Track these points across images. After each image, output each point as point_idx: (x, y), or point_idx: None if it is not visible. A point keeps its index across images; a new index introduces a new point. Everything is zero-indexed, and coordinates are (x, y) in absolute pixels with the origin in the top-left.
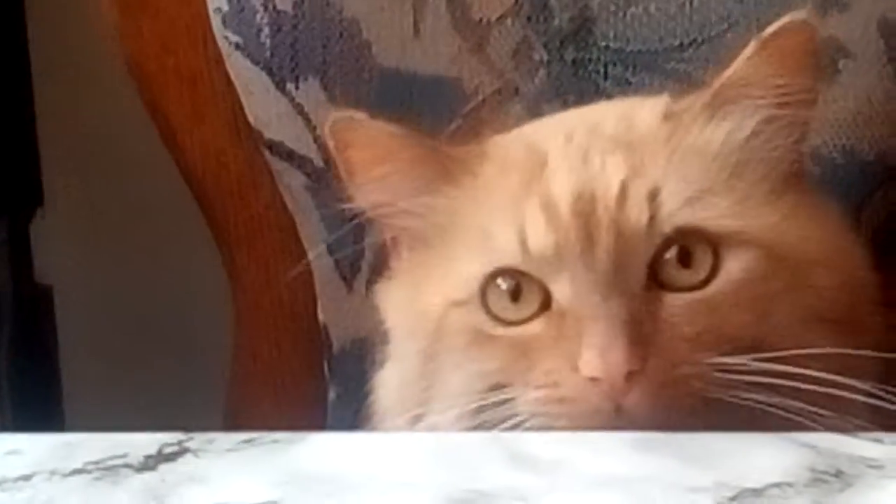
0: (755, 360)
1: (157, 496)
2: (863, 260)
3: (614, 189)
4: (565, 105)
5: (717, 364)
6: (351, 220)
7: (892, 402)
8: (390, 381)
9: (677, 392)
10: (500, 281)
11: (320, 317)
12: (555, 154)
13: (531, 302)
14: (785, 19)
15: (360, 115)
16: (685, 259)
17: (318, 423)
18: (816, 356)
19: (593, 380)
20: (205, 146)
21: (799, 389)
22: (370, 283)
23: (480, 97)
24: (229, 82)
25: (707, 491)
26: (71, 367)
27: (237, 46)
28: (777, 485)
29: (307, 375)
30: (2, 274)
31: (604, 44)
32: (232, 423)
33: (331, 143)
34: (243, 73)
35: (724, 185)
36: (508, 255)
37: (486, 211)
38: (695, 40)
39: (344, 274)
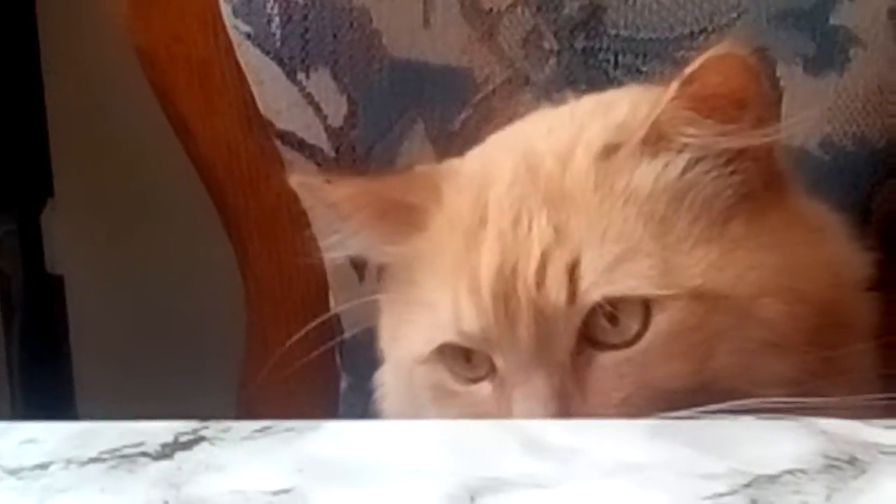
0: (692, 414)
1: (174, 484)
2: (845, 264)
3: (534, 263)
4: (576, 94)
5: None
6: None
7: None
8: (390, 388)
9: None
10: (452, 347)
11: (332, 306)
12: (493, 208)
13: (482, 363)
14: (705, 55)
15: (316, 181)
16: (613, 319)
17: (330, 412)
18: (771, 405)
19: None
20: (216, 136)
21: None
22: (382, 272)
23: (491, 86)
24: (240, 72)
25: (721, 477)
26: (82, 358)
27: (248, 36)
28: (791, 471)
29: (319, 365)
30: (13, 264)
31: (614, 32)
32: (244, 413)
33: (306, 201)
34: (254, 62)
35: (652, 234)
36: (447, 332)
37: (432, 278)
38: (705, 28)
39: (355, 263)
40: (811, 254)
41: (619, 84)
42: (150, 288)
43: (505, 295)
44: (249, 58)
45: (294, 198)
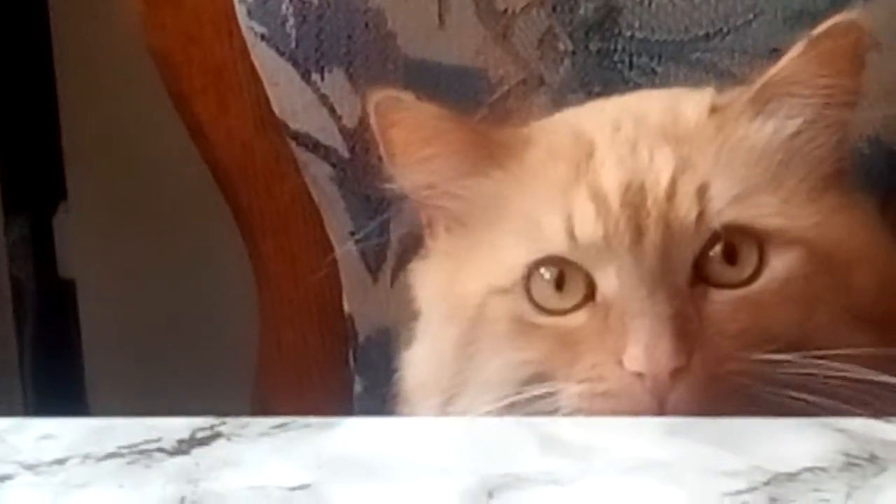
0: (800, 357)
1: (191, 480)
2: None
3: (664, 182)
4: (590, 96)
5: (762, 360)
6: (377, 210)
7: None
8: (420, 362)
9: (721, 388)
10: (543, 270)
11: (346, 307)
12: (602, 143)
13: (575, 292)
14: (835, 19)
15: (407, 96)
16: (731, 256)
17: (344, 414)
18: (858, 356)
19: (638, 375)
20: (230, 137)
21: (841, 387)
22: (396, 272)
23: (506, 87)
24: (255, 73)
25: (741, 475)
26: (94, 362)
27: (262, 37)
28: (811, 469)
29: (333, 366)
30: (25, 268)
31: (629, 34)
32: (258, 414)
33: (374, 122)
34: (268, 63)
35: (769, 182)
36: (555, 243)
37: (532, 198)
38: (720, 30)
39: (369, 264)
40: (883, 236)
41: (635, 85)
42: (162, 292)
43: (635, 205)
44: (264, 59)
45: (308, 199)
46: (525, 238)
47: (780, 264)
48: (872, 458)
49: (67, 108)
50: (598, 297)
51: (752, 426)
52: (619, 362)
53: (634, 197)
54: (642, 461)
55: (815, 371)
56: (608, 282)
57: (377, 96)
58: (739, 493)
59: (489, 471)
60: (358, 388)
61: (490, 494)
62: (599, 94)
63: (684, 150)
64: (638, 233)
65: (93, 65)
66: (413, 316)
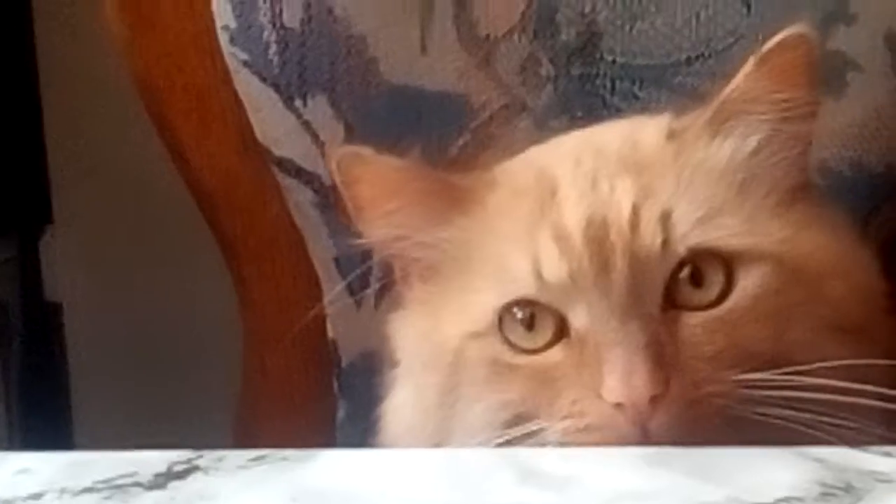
0: (779, 374)
1: None
2: (872, 268)
3: (626, 213)
4: (573, 120)
5: (741, 381)
6: (360, 236)
7: None
8: (404, 410)
9: (702, 411)
10: (515, 310)
11: (329, 332)
12: (564, 179)
13: (546, 329)
14: (782, 34)
15: (367, 151)
16: (698, 279)
17: (327, 439)
18: (836, 368)
19: (618, 406)
20: (213, 163)
21: (821, 402)
22: (379, 298)
23: (488, 113)
24: (237, 99)
25: None
26: (80, 385)
27: (245, 63)
28: (787, 499)
29: (316, 391)
30: (11, 291)
31: (611, 58)
32: (242, 439)
33: (338, 179)
34: (251, 89)
35: (732, 202)
36: (524, 286)
37: (498, 241)
38: (702, 54)
39: (352, 288)
40: (854, 246)
41: (616, 110)
42: (148, 316)
43: (598, 241)
44: (247, 85)
45: (292, 225)
46: (494, 282)
47: (749, 282)
48: (848, 488)
49: (53, 131)
50: (572, 332)
51: (729, 456)
52: (599, 395)
53: (598, 231)
54: (621, 492)
55: (795, 388)
56: (579, 318)
57: (338, 154)
58: None
59: (467, 503)
60: (341, 413)
61: None
62: (582, 119)
63: (644, 178)
64: (604, 266)
65: (78, 88)
66: (392, 363)
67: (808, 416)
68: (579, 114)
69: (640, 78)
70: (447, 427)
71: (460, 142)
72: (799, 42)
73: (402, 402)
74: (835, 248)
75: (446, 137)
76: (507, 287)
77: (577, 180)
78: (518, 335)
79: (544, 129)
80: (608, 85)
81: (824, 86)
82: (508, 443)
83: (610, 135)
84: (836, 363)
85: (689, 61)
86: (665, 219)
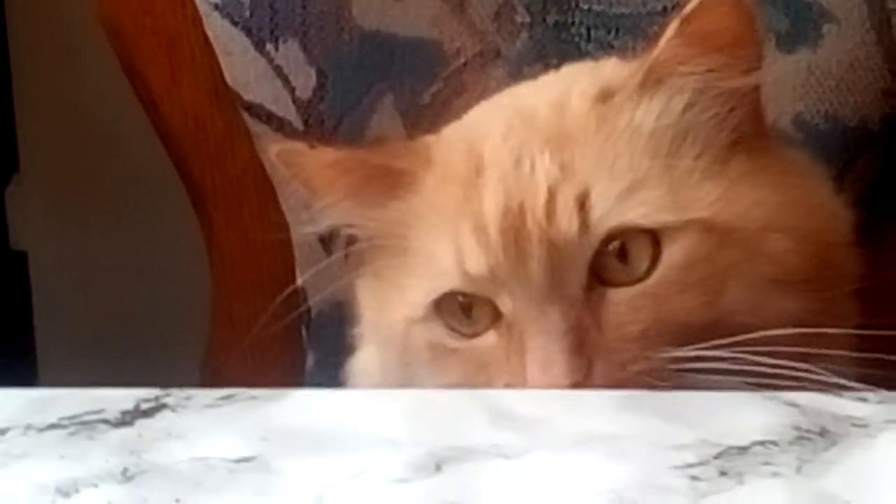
0: (711, 347)
1: (135, 451)
2: (830, 211)
3: (542, 199)
4: (547, 69)
5: (669, 358)
6: None
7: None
8: (370, 369)
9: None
10: (451, 297)
11: (298, 281)
12: (490, 157)
13: (483, 315)
14: None
15: (300, 146)
16: (623, 255)
17: (295, 387)
18: (777, 337)
19: None
20: (183, 108)
21: (758, 373)
22: (349, 246)
23: (462, 60)
24: (208, 44)
25: (691, 448)
26: (45, 335)
27: (215, 7)
28: (761, 443)
29: (285, 340)
30: None
31: (586, 6)
32: (209, 386)
33: (282, 171)
34: (222, 34)
35: (658, 169)
36: (450, 279)
37: (428, 231)
38: (678, 3)
39: (323, 237)
40: (807, 195)
41: (592, 59)
42: (115, 265)
43: (514, 230)
44: (217, 29)
45: (261, 171)
46: (425, 274)
47: (675, 253)
48: (823, 432)
49: (21, 80)
50: (503, 318)
51: (702, 399)
52: (524, 381)
53: (514, 221)
54: (591, 434)
55: (726, 361)
56: (505, 305)
57: (274, 150)
58: (689, 466)
59: (437, 443)
60: (310, 362)
61: (438, 467)
62: (556, 68)
63: (566, 153)
64: (521, 256)
65: (46, 37)
66: (357, 319)
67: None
68: (554, 62)
69: (616, 27)
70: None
71: (433, 89)
72: (721, 3)
73: (367, 360)
74: (777, 200)
75: (419, 84)
76: (435, 280)
77: (501, 159)
78: (456, 320)
79: (518, 77)
80: (583, 33)
81: (800, 37)
82: None
83: (542, 97)
84: (773, 333)
85: (665, 11)
86: (581, 201)
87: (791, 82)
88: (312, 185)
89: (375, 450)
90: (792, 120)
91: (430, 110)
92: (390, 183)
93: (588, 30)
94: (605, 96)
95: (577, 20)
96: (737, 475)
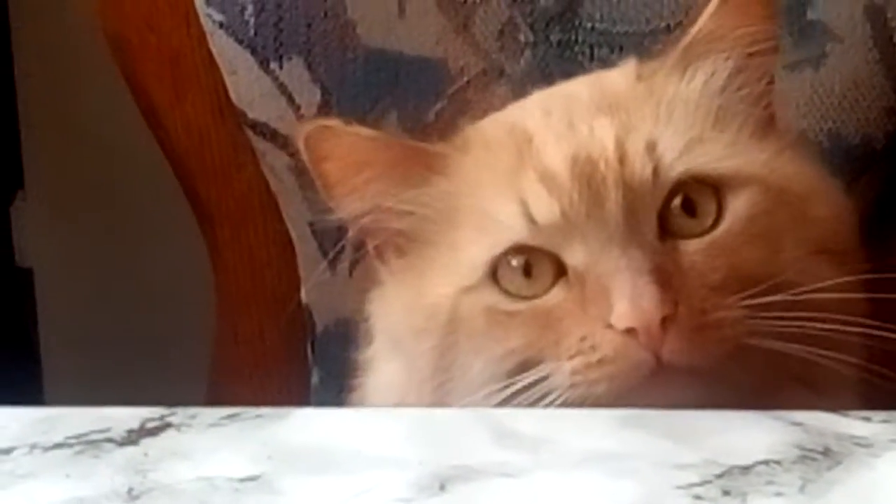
0: (785, 297)
1: (140, 470)
2: (844, 195)
3: (611, 146)
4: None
5: (747, 307)
6: None
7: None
8: (392, 384)
9: (712, 337)
10: (510, 258)
11: (303, 298)
12: (538, 128)
13: (544, 274)
14: None
15: (334, 122)
16: (689, 207)
17: (300, 406)
18: (828, 289)
19: (629, 332)
20: (187, 125)
21: (821, 337)
22: (354, 263)
23: (465, 78)
24: (212, 61)
25: (695, 468)
26: (51, 352)
27: (221, 25)
28: (765, 462)
29: (290, 358)
30: None
31: (590, 25)
32: (213, 405)
33: (306, 156)
34: (227, 51)
35: (711, 131)
36: (515, 231)
37: (481, 192)
38: (680, 22)
39: (327, 255)
40: (830, 177)
41: None
42: (120, 281)
43: (587, 175)
44: (222, 47)
45: (266, 189)
46: (483, 233)
47: (739, 204)
48: (827, 452)
49: (25, 96)
50: (570, 271)
51: (705, 419)
52: (608, 326)
53: (585, 167)
54: (595, 453)
55: (801, 319)
56: (577, 255)
57: (306, 128)
58: (692, 486)
59: (441, 462)
60: (315, 379)
61: (442, 486)
62: None
63: (622, 115)
64: (597, 199)
65: (51, 51)
66: (370, 341)
67: (819, 350)
68: (557, 81)
69: (619, 45)
70: (445, 391)
71: (437, 107)
72: None
73: (389, 378)
74: (810, 173)
75: (423, 103)
76: (497, 237)
77: (551, 126)
78: (516, 284)
79: (522, 95)
80: (587, 52)
81: (803, 56)
82: (514, 395)
83: (575, 86)
84: (835, 282)
85: (668, 29)
86: (651, 148)
87: (794, 100)
88: (344, 163)
89: (380, 469)
90: (795, 138)
91: (434, 128)
92: (426, 164)
93: (591, 48)
94: (644, 76)
95: (580, 38)
96: (740, 495)
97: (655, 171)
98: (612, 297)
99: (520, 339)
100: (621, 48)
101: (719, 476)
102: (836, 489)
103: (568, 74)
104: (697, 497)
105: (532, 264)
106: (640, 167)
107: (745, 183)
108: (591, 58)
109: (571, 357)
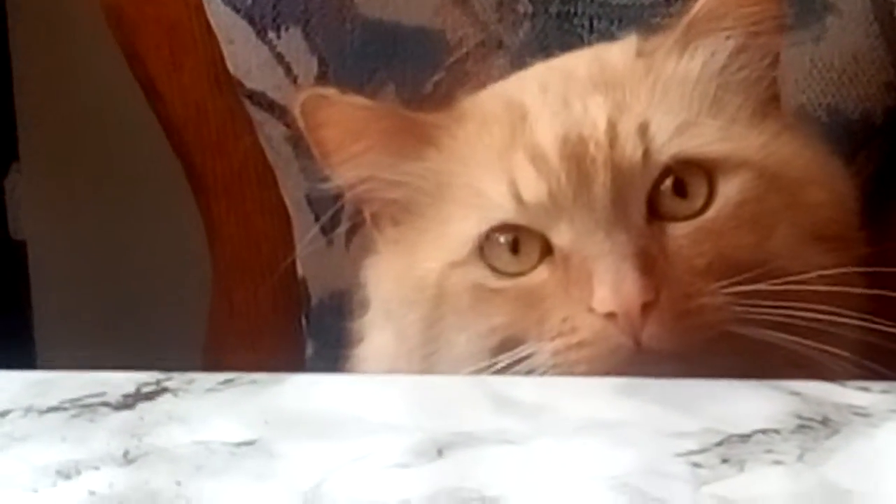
0: (770, 285)
1: (136, 434)
2: (845, 178)
3: (602, 127)
4: (549, 59)
5: (732, 293)
6: None
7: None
8: (383, 355)
9: (694, 323)
10: (498, 235)
11: (299, 270)
12: (533, 104)
13: (531, 252)
14: None
15: (330, 91)
16: (681, 189)
17: None
18: (820, 279)
19: (610, 316)
20: (184, 96)
21: (807, 328)
22: (350, 235)
23: (464, 49)
24: (209, 31)
25: (693, 436)
26: (45, 324)
27: None
28: (763, 431)
29: (285, 329)
30: None
31: None
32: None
33: (302, 124)
34: (224, 21)
35: (708, 112)
36: (503, 210)
37: (472, 169)
38: None
39: (323, 227)
40: (829, 159)
41: None
42: (115, 254)
43: (576, 156)
44: (219, 16)
45: (262, 159)
46: (473, 209)
47: (730, 189)
48: (825, 421)
49: (20, 68)
50: (556, 251)
51: (704, 387)
52: (589, 309)
53: (575, 147)
54: (594, 421)
55: (787, 307)
56: (563, 235)
57: (302, 96)
58: (691, 453)
59: (439, 429)
60: (309, 351)
61: (440, 452)
62: None
63: (617, 94)
64: (584, 180)
65: (46, 22)
66: (362, 309)
67: (802, 340)
68: (556, 52)
69: (619, 17)
70: (431, 363)
71: (435, 78)
72: None
73: (381, 345)
74: (810, 156)
75: (421, 74)
76: (486, 213)
77: (546, 102)
78: (503, 260)
79: (520, 67)
80: (586, 24)
81: (803, 29)
82: (497, 372)
83: (575, 60)
84: (825, 272)
85: (667, 1)
86: (643, 130)
87: (794, 75)
88: (340, 131)
89: (376, 435)
90: (794, 112)
91: (431, 99)
92: (421, 135)
93: (591, 20)
94: (644, 52)
95: (579, 10)
96: (738, 463)
97: (646, 154)
98: (594, 280)
99: (504, 316)
100: (621, 20)
101: (718, 444)
102: (835, 458)
103: (567, 46)
104: (696, 465)
105: (520, 241)
106: (630, 149)
107: (737, 167)
108: (591, 30)
109: (553, 338)
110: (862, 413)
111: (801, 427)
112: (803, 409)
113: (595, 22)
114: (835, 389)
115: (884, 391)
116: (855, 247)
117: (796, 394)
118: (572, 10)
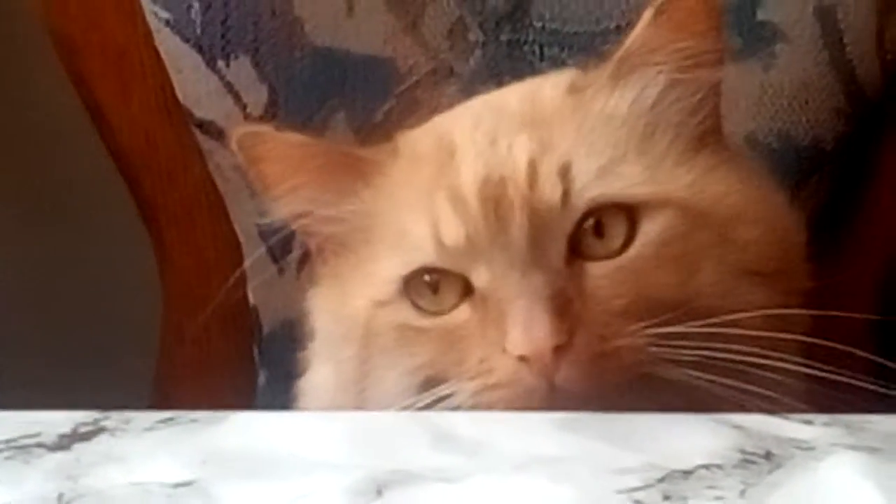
0: (692, 327)
1: (72, 476)
2: (787, 212)
3: (523, 168)
4: (500, 86)
5: (652, 335)
6: None
7: (822, 382)
8: (323, 388)
9: (610, 365)
10: (422, 274)
11: (251, 298)
12: (462, 142)
13: (452, 292)
14: None
15: (266, 129)
16: (600, 230)
17: (247, 407)
18: (750, 320)
19: (522, 359)
20: (133, 124)
21: (740, 369)
22: (301, 264)
23: (414, 78)
24: (158, 60)
25: (635, 472)
26: None
27: (167, 23)
28: (706, 466)
29: (236, 359)
30: None
31: (539, 24)
32: (159, 407)
33: (241, 158)
34: (173, 50)
35: (634, 150)
36: (424, 252)
37: (399, 209)
38: (630, 21)
39: (275, 256)
40: (769, 194)
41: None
42: (64, 282)
43: (494, 198)
44: (168, 45)
45: (213, 189)
46: (397, 251)
47: (652, 228)
48: (768, 456)
49: None
50: (476, 292)
51: (646, 422)
52: (504, 350)
53: (494, 189)
54: (534, 457)
55: (709, 348)
56: (481, 277)
57: (238, 132)
58: (633, 490)
59: (379, 467)
60: (262, 380)
61: (379, 491)
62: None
63: (543, 133)
64: (502, 224)
65: None
66: (309, 337)
67: (725, 380)
68: (507, 80)
69: (569, 45)
70: (364, 399)
71: (386, 107)
72: None
73: (320, 379)
74: (746, 192)
75: (371, 102)
76: (408, 255)
77: (475, 141)
78: (425, 299)
79: (471, 94)
80: (537, 51)
81: (752, 56)
82: (422, 409)
83: (510, 95)
84: (750, 314)
85: (618, 29)
86: (564, 172)
87: (744, 101)
88: (276, 167)
89: (316, 474)
90: (744, 138)
91: (382, 128)
92: (356, 172)
93: (541, 48)
94: (576, 88)
95: (530, 38)
96: (680, 499)
97: (565, 195)
98: (508, 322)
99: (427, 355)
100: (571, 47)
101: (660, 480)
102: (777, 493)
103: (518, 74)
104: (638, 502)
105: (440, 282)
106: (549, 191)
107: (660, 206)
108: (542, 57)
109: (472, 378)
110: (805, 447)
111: (743, 461)
112: (746, 443)
113: (546, 49)
114: (777, 423)
115: (826, 424)
116: (798, 280)
117: (739, 427)
118: (523, 38)
